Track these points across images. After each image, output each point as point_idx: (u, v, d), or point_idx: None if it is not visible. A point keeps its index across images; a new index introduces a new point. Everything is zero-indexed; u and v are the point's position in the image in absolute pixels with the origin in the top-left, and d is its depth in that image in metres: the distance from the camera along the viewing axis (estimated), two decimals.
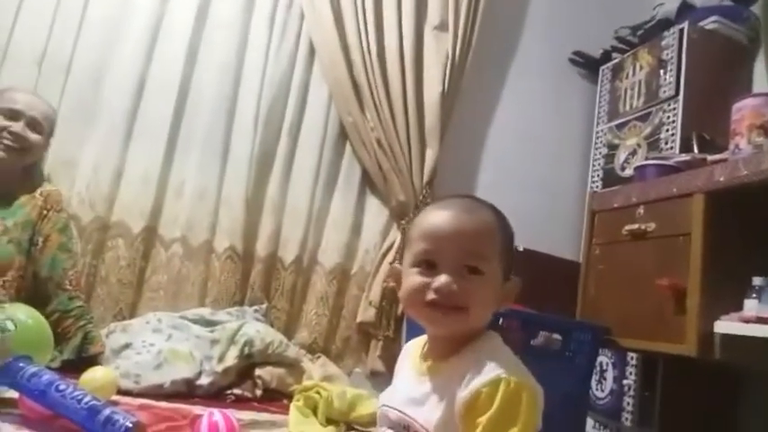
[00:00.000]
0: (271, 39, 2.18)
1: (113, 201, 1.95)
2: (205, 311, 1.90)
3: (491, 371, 0.70)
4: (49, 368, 1.36)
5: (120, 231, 1.95)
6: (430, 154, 2.24)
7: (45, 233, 1.65)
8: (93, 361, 1.58)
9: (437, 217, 0.77)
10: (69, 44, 1.95)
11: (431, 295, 0.73)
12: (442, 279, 0.73)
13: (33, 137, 1.65)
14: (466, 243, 0.74)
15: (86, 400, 1.05)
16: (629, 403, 2.00)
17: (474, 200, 0.82)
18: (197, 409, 1.40)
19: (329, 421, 1.50)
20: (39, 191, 1.68)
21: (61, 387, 1.06)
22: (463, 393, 0.70)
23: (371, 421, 1.55)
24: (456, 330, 0.76)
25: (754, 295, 1.41)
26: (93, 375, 1.32)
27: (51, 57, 1.93)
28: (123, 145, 1.98)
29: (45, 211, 1.66)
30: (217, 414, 1.10)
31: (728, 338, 1.46)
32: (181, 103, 2.06)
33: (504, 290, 0.78)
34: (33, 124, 1.65)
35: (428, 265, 0.75)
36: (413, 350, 0.86)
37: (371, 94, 2.20)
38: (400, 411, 0.78)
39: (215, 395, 1.66)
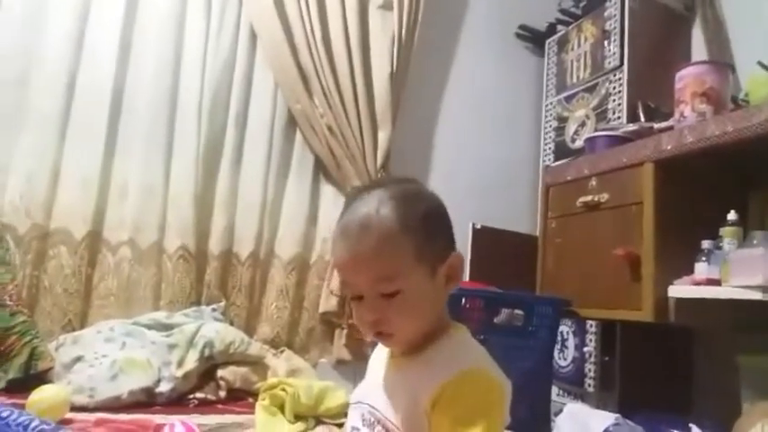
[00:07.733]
0: (209, 27, 2.07)
1: (51, 207, 1.83)
2: (160, 315, 1.82)
3: (458, 365, 0.69)
4: None
5: (61, 238, 1.83)
6: (382, 137, 2.20)
7: None
8: (42, 378, 1.50)
9: (338, 248, 0.73)
10: None
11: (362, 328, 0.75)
12: (361, 316, 0.73)
13: None
14: (370, 272, 0.70)
15: (34, 425, 0.98)
16: (590, 369, 2.06)
17: (371, 200, 0.73)
18: (158, 418, 1.34)
19: (297, 417, 1.48)
20: None
21: (4, 414, 0.99)
22: (430, 388, 0.69)
23: (340, 413, 1.53)
24: (402, 346, 0.76)
25: (704, 258, 1.45)
26: (41, 395, 1.24)
27: None
28: (57, 147, 1.85)
29: None
30: (178, 426, 1.06)
31: (682, 302, 1.51)
32: (117, 98, 1.94)
33: (442, 276, 0.74)
34: None
35: (355, 296, 0.74)
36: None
37: (319, 79, 2.13)
38: (370, 406, 0.77)
39: (177, 401, 1.60)
